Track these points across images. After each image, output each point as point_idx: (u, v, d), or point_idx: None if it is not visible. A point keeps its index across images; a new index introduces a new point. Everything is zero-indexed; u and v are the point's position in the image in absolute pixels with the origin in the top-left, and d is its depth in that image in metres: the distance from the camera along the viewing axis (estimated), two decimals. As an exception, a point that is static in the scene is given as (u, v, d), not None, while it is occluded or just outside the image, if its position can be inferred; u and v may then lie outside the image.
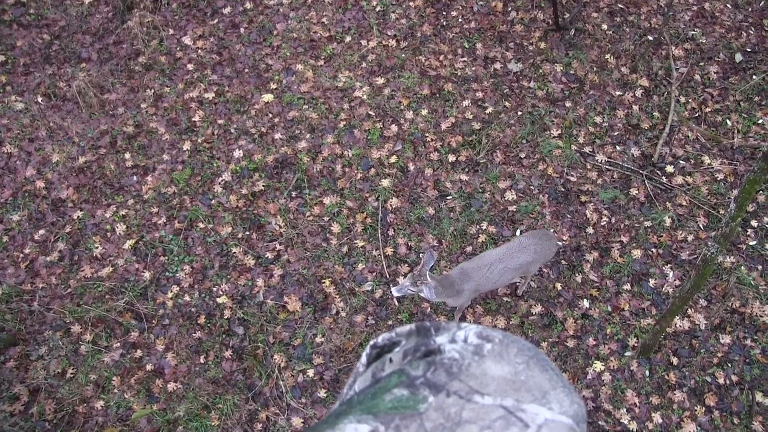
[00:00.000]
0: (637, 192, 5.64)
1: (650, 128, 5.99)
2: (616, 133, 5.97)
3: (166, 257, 5.34)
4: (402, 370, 0.80)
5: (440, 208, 5.48)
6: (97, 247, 5.41)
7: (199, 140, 5.90)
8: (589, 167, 5.74)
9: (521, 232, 5.20)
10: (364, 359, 0.88)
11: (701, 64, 6.36)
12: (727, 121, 6.04)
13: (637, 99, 6.15)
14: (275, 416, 4.69)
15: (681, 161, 5.82)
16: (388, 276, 5.14)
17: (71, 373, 4.91)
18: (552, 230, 5.30)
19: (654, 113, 6.06)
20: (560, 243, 5.21)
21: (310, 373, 4.84)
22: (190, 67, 6.33)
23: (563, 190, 5.59)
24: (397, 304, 5.05)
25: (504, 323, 4.97)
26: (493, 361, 0.78)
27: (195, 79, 6.26)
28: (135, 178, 5.76)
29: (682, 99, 6.18)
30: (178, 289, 5.21)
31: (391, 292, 4.65)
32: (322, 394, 4.77)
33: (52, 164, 5.82)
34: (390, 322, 4.97)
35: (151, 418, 4.72)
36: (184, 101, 6.12)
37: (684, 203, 5.61)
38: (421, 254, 5.19)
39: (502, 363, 0.78)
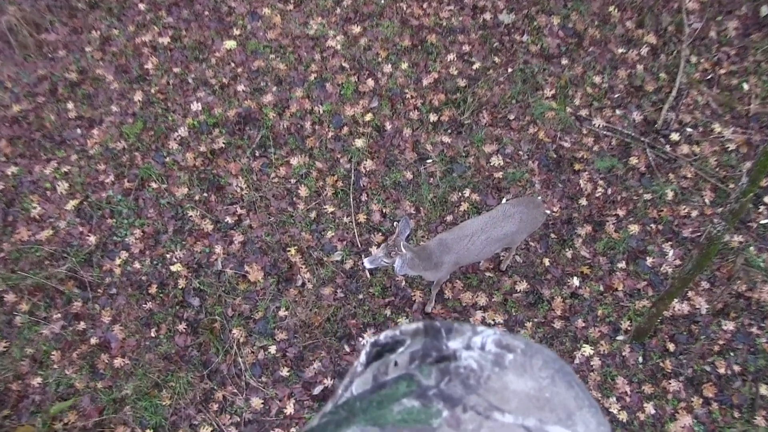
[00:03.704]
0: (637, 161, 5.47)
1: (655, 91, 5.75)
2: (616, 96, 5.75)
3: (114, 220, 5.16)
4: (411, 376, 0.77)
5: (419, 173, 5.35)
6: (35, 207, 5.15)
7: (153, 90, 5.63)
8: (584, 132, 5.57)
9: (507, 201, 4.98)
10: (363, 358, 0.86)
11: (719, 18, 6.00)
12: (744, 84, 5.76)
13: (642, 58, 5.87)
14: (233, 396, 4.62)
15: (688, 129, 5.61)
16: (359, 245, 5.05)
17: (4, 347, 4.73)
18: (541, 199, 5.12)
19: (660, 74, 5.80)
20: (548, 212, 5.15)
21: (272, 349, 4.75)
22: (142, 6, 5.94)
23: (555, 156, 5.45)
24: (369, 276, 4.95)
25: (485, 300, 4.89)
26: (515, 374, 0.76)
27: (148, 21, 5.89)
28: (79, 131, 5.48)
29: (693, 59, 5.87)
30: (127, 255, 5.04)
31: (362, 263, 4.55)
32: (284, 372, 4.67)
33: (-19, 113, 5.54)
34: (361, 296, 4.89)
35: (95, 396, 4.58)
36: (135, 46, 5.79)
37: (689, 175, 5.43)
38: (396, 222, 5.08)
39: (525, 377, 0.76)
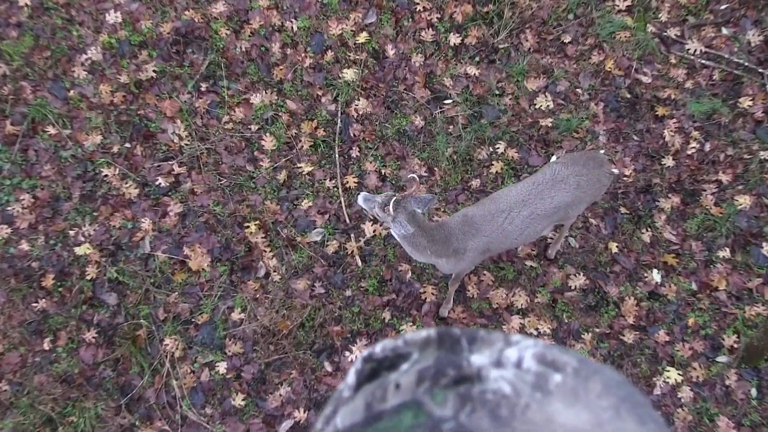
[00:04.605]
0: (751, 104, 4.80)
1: (782, -2, 4.97)
2: (723, 7, 5.06)
3: (-10, 180, 4.77)
4: (419, 404, 0.65)
5: (433, 118, 4.89)
6: None
7: (49, -9, 5.07)
8: (673, 61, 4.92)
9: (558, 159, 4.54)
10: (351, 378, 0.72)
11: None
12: None
13: (765, -55, 5.14)
14: (163, 436, 4.30)
15: (833, 54, 4.96)
16: (348, 220, 4.63)
17: None
18: (605, 155, 4.55)
19: (793, -29, 5.08)
20: (616, 171, 4.62)
21: (221, 367, 4.34)
22: None
23: (629, 96, 4.89)
24: (360, 264, 4.47)
25: (525, 301, 4.42)
26: (564, 402, 0.63)
27: None
28: (-69, 48, 5.02)
29: None
30: (9, 231, 4.59)
31: (357, 197, 4.10)
32: (238, 401, 4.23)
33: None
34: (348, 293, 4.42)
35: (-50, 442, 4.22)
36: None
37: (832, 123, 4.78)
38: (404, 183, 4.70)
39: (578, 407, 0.62)
